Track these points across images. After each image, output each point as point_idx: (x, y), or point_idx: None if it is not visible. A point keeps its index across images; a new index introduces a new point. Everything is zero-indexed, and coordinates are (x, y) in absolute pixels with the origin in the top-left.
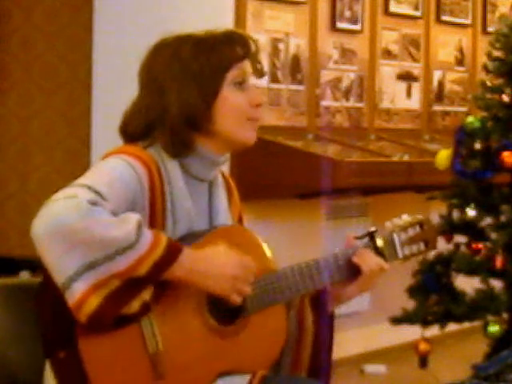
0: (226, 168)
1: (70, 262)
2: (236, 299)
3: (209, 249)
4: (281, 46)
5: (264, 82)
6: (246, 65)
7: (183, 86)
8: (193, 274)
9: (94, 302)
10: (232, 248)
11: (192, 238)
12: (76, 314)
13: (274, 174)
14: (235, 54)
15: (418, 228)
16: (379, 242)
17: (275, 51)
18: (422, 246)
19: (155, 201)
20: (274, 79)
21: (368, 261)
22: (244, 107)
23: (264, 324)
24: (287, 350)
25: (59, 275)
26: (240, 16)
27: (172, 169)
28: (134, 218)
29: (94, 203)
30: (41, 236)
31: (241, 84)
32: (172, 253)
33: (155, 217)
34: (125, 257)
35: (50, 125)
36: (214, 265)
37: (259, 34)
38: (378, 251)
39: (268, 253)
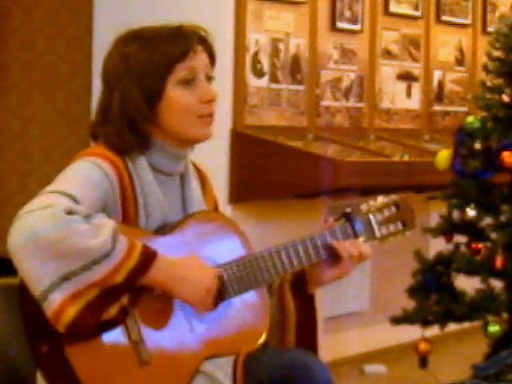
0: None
1: (46, 273)
2: (201, 310)
3: (184, 257)
4: (281, 46)
5: (264, 81)
6: (196, 61)
7: (125, 86)
8: (169, 278)
9: (71, 312)
10: (207, 234)
11: (166, 228)
12: (54, 325)
13: (274, 174)
14: (177, 53)
15: (393, 208)
16: (356, 223)
17: (275, 51)
18: (399, 225)
19: (126, 197)
20: (274, 79)
21: (346, 245)
22: (192, 106)
23: (246, 304)
24: (272, 335)
25: (36, 287)
26: (240, 16)
27: (140, 164)
28: (109, 225)
29: (69, 212)
30: (17, 248)
31: (188, 82)
32: (147, 259)
33: (128, 212)
34: (101, 266)
35: (50, 125)
36: (190, 271)
37: (259, 34)
38: (355, 232)
39: (243, 236)
